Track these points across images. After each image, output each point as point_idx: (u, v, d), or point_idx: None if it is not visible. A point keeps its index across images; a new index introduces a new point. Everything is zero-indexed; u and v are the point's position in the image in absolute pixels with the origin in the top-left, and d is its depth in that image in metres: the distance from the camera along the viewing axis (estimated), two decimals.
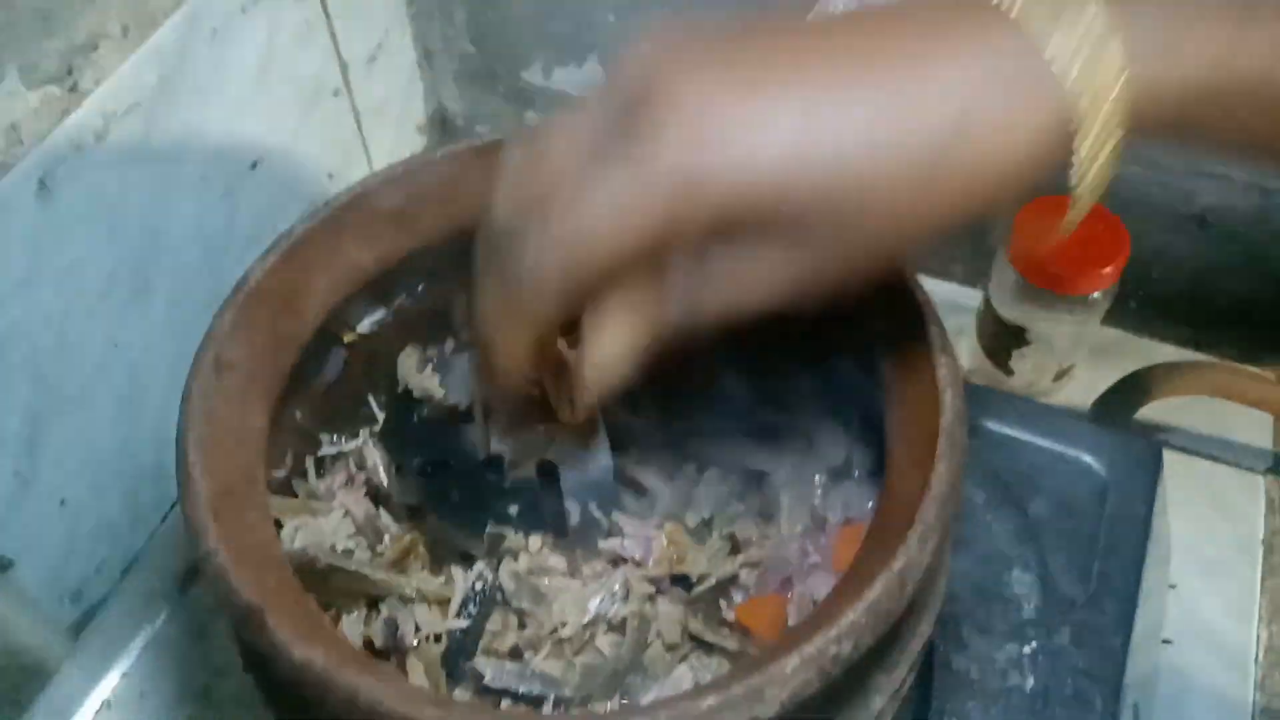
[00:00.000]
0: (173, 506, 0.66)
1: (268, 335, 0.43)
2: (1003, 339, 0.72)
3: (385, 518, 0.48)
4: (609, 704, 0.41)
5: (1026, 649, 0.53)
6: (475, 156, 0.47)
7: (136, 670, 0.56)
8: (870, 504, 0.46)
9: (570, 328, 0.37)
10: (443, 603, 0.45)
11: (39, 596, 0.58)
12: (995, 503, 0.58)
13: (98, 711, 0.55)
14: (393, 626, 0.43)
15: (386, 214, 0.46)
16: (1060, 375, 0.74)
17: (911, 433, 0.38)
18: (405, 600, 0.44)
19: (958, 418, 0.37)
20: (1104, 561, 0.56)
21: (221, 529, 0.36)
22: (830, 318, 0.40)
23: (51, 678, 0.55)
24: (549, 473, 0.46)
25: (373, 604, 0.45)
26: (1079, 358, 0.73)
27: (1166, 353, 0.76)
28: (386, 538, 0.47)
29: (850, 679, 0.35)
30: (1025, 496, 0.58)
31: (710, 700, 0.31)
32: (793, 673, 0.32)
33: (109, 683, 0.56)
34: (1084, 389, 0.73)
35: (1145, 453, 0.60)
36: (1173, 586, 0.65)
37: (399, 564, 0.46)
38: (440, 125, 0.86)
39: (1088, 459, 0.59)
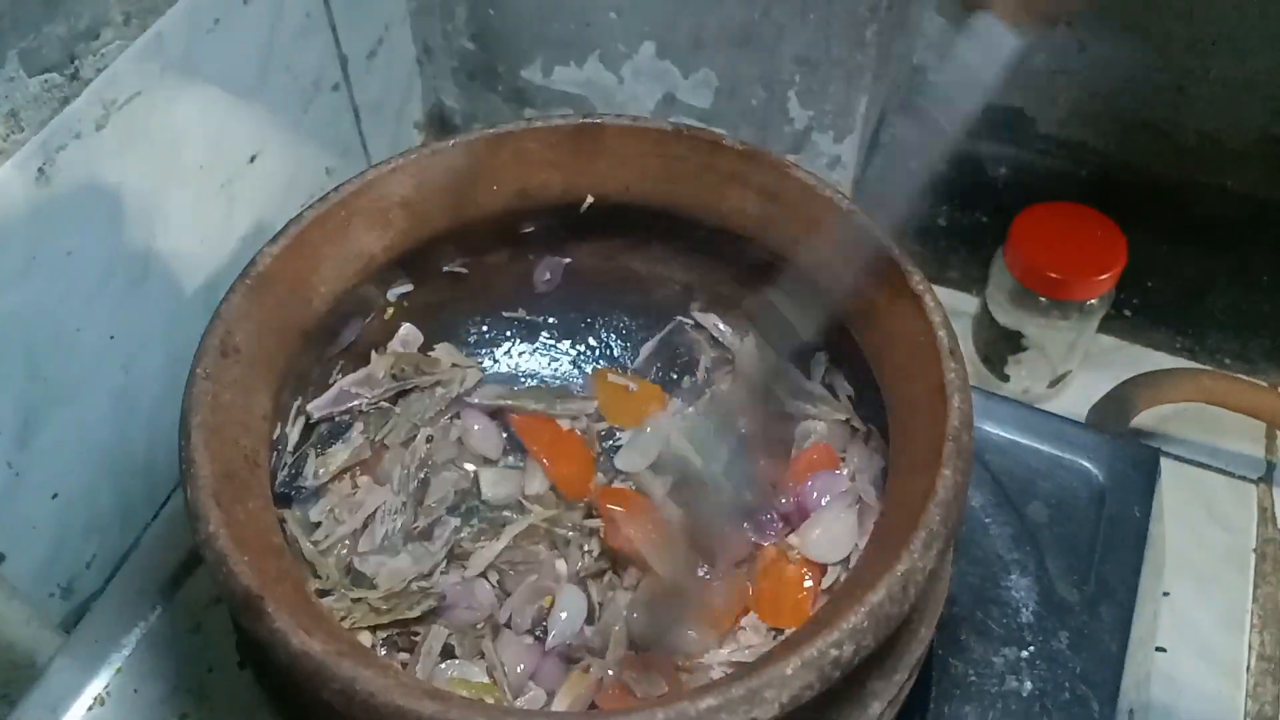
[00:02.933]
0: (165, 502, 0.65)
1: (274, 320, 0.42)
2: (999, 344, 0.73)
3: None
4: None
5: (1024, 653, 0.53)
6: (490, 146, 0.47)
7: (130, 666, 0.55)
8: None
9: None
10: None
11: (29, 591, 0.57)
12: (992, 506, 0.57)
13: (90, 708, 0.54)
14: None
15: (396, 202, 0.46)
16: (1055, 382, 0.74)
17: (916, 436, 0.38)
18: None
19: (964, 423, 0.37)
20: (1101, 565, 0.56)
21: (223, 514, 0.36)
22: (840, 315, 0.40)
23: (42, 673, 0.55)
24: None
25: None
26: (1074, 364, 0.74)
27: (1161, 361, 0.77)
28: None
29: (849, 683, 0.35)
30: (1023, 500, 0.58)
31: (709, 701, 0.31)
32: (793, 674, 0.32)
33: (102, 679, 0.55)
34: (1079, 396, 0.73)
35: (1143, 457, 0.60)
36: (1166, 594, 0.65)
37: None
38: (439, 122, 0.85)
39: (1085, 463, 0.59)
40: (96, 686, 0.55)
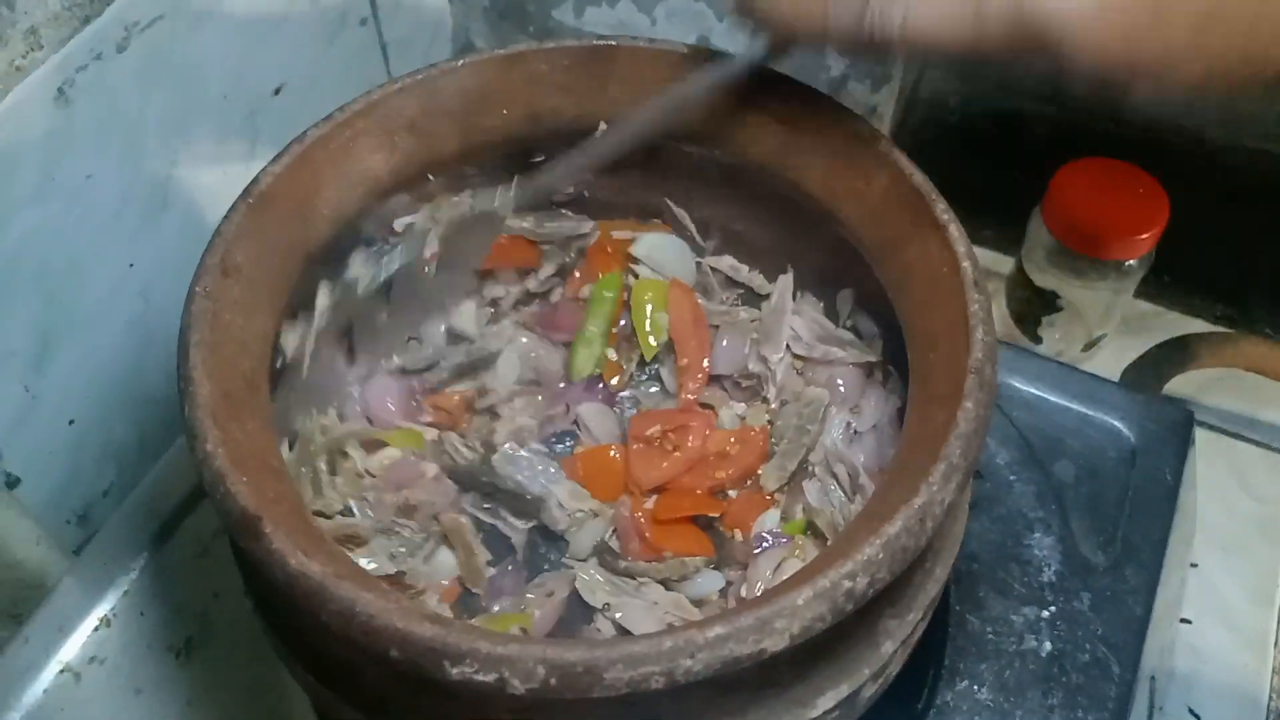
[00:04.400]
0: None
1: (276, 241, 0.41)
2: (1033, 305, 0.71)
3: None
4: None
5: (1045, 613, 0.52)
6: (500, 67, 0.45)
7: (137, 589, 0.56)
8: None
9: None
10: None
11: (44, 517, 0.57)
12: (1018, 463, 0.56)
13: (96, 628, 0.54)
14: None
15: (402, 123, 0.45)
16: (1089, 346, 0.72)
17: (937, 368, 0.37)
18: None
19: (988, 355, 0.35)
20: (1128, 528, 0.54)
21: (221, 432, 0.35)
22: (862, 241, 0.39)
23: (50, 594, 0.55)
24: None
25: None
26: (1109, 328, 0.72)
27: (1199, 328, 0.75)
28: None
29: (862, 619, 0.34)
30: (1050, 458, 0.57)
31: (717, 630, 0.30)
32: (804, 605, 0.31)
33: (109, 600, 0.55)
34: (1113, 361, 0.71)
35: (1176, 419, 0.58)
36: (1194, 565, 0.64)
37: None
38: None
39: (1116, 423, 0.58)
40: (103, 608, 0.55)
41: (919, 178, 0.40)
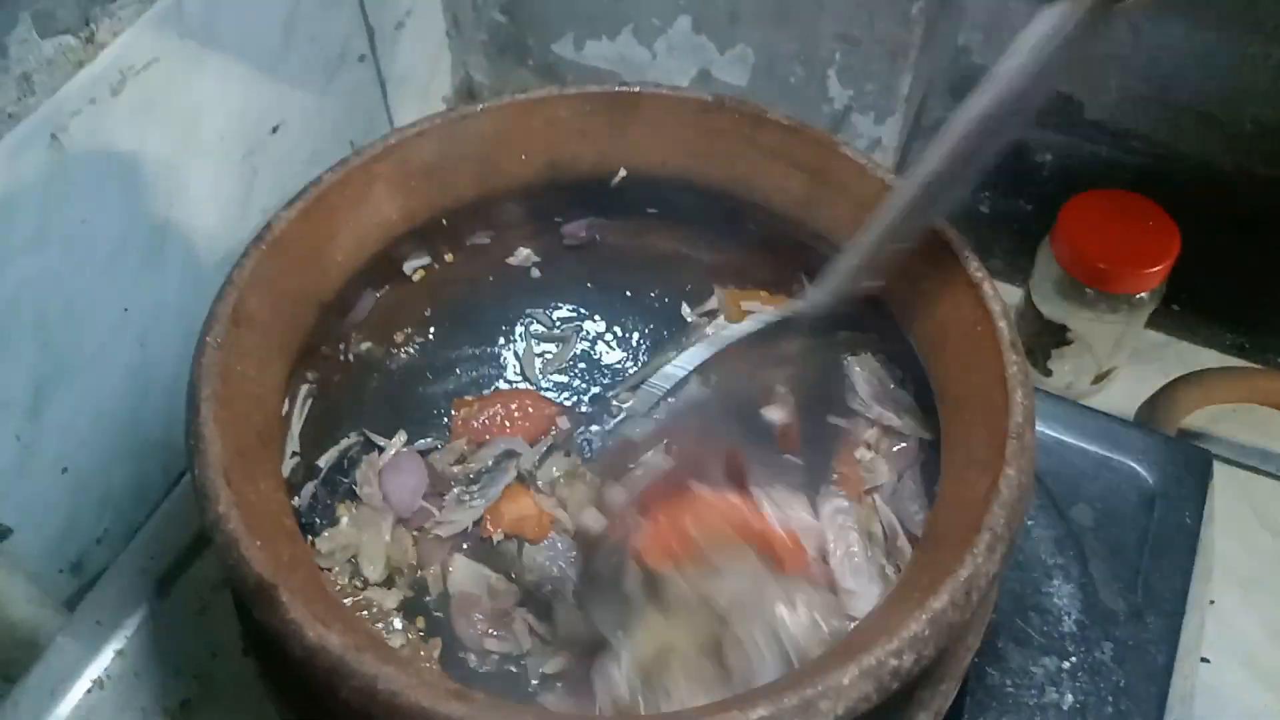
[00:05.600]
0: (178, 479, 0.63)
1: (290, 289, 0.40)
2: (1042, 337, 0.70)
3: None
4: None
5: (1065, 664, 0.51)
6: (520, 112, 0.44)
7: (132, 648, 0.54)
8: None
9: None
10: None
11: (37, 567, 0.56)
12: (1035, 508, 0.55)
13: (89, 690, 0.52)
14: None
15: (420, 168, 0.44)
16: (1100, 378, 0.71)
17: (974, 430, 0.36)
18: None
19: (1027, 419, 0.34)
20: (1150, 574, 0.53)
21: (234, 494, 0.34)
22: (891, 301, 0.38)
23: (42, 654, 0.53)
24: None
25: None
26: (1120, 360, 0.71)
27: (1210, 358, 0.74)
28: None
29: (899, 694, 0.33)
30: (1067, 503, 0.56)
31: (760, 711, 0.29)
32: (850, 684, 0.29)
33: (102, 661, 0.53)
34: (1124, 394, 0.71)
35: (1195, 460, 0.57)
36: (1211, 602, 0.63)
37: None
38: (468, 97, 0.83)
39: (1134, 465, 0.57)
40: (96, 669, 0.53)
41: (950, 233, 0.40)
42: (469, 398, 0.56)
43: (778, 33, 0.69)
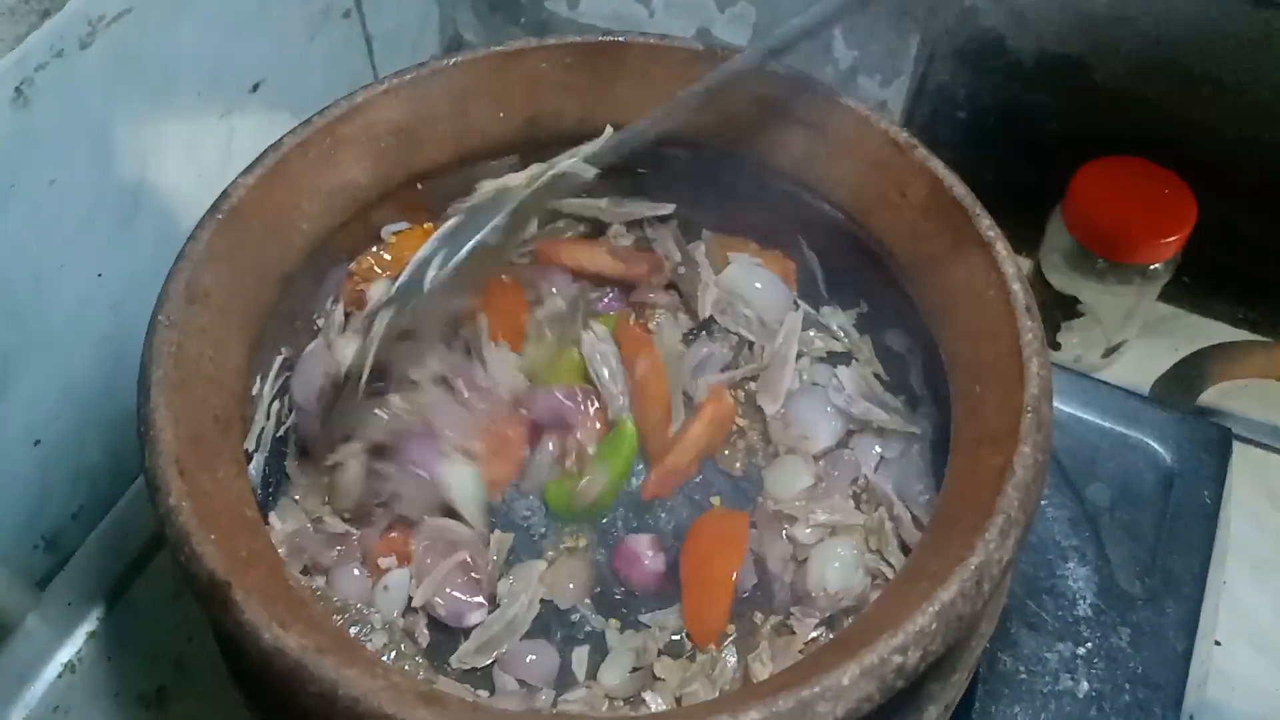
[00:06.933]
0: None
1: (250, 261, 0.37)
2: (1051, 310, 0.68)
3: None
4: None
5: (1081, 650, 0.49)
6: (496, 65, 0.41)
7: (104, 631, 0.52)
8: None
9: None
10: None
11: (8, 543, 0.54)
12: (1049, 487, 0.53)
13: (59, 674, 0.51)
14: None
15: (390, 128, 0.41)
16: (1110, 351, 0.69)
17: (986, 403, 0.33)
18: None
19: (1044, 391, 0.32)
20: (1167, 556, 0.51)
21: (186, 485, 0.31)
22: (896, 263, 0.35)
23: (12, 634, 0.51)
24: None
25: None
26: (1130, 333, 0.69)
27: (1221, 332, 0.72)
28: None
29: (906, 690, 0.31)
30: (1083, 481, 0.53)
31: (752, 714, 0.27)
32: (851, 684, 0.27)
33: (73, 644, 0.52)
34: (1134, 367, 0.69)
35: (1215, 438, 0.55)
36: (1223, 583, 0.61)
37: None
38: None
39: (1152, 443, 0.55)
40: (67, 652, 0.52)
41: (960, 189, 0.37)
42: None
43: None
